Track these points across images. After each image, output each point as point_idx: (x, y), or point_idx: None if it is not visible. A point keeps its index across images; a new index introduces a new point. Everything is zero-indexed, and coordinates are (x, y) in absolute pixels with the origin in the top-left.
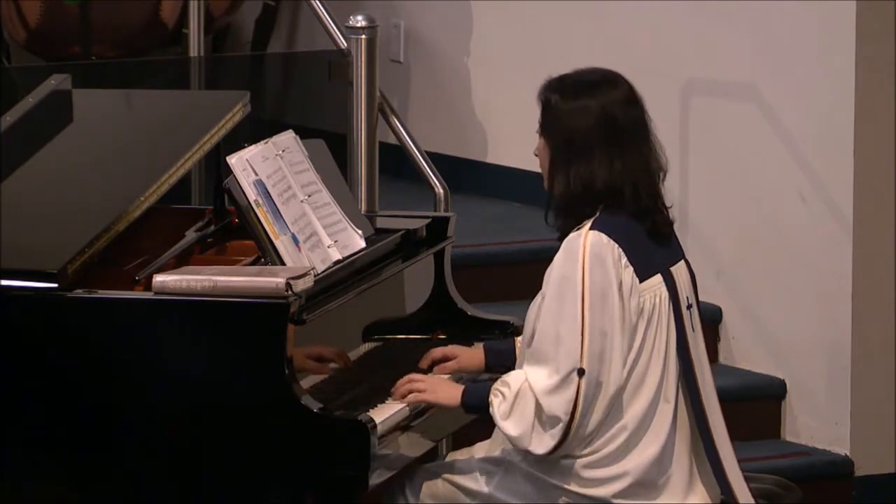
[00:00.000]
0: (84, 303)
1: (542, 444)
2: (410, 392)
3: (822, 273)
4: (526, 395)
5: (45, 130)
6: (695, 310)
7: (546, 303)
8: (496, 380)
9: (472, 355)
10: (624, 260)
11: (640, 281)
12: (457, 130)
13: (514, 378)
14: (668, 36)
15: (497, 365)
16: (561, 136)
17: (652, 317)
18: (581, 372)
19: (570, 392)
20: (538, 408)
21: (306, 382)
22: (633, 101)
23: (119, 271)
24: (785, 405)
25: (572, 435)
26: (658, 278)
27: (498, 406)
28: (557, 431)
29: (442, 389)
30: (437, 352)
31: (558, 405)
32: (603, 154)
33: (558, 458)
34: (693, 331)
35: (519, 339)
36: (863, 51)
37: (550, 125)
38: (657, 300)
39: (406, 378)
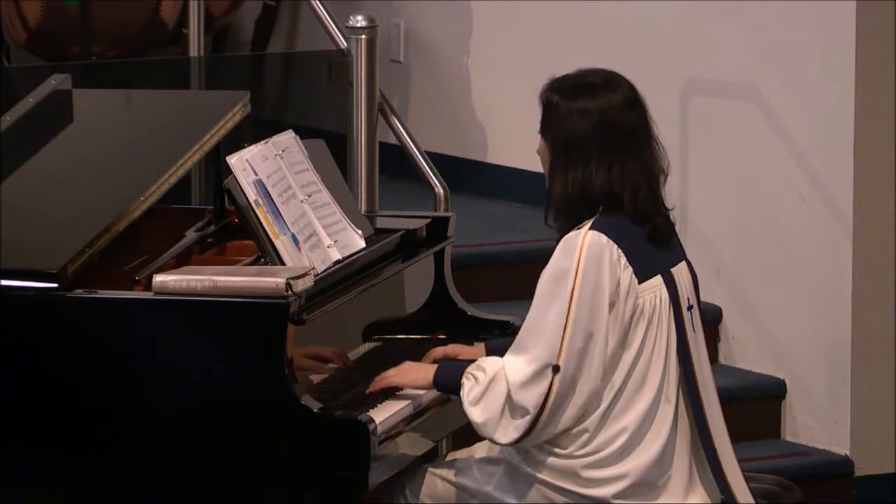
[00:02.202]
0: (84, 303)
1: (506, 434)
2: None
3: (821, 273)
4: (499, 383)
5: (45, 130)
6: (696, 311)
7: (537, 294)
8: (471, 362)
9: (473, 353)
10: (623, 261)
11: (640, 282)
12: (457, 130)
13: (490, 364)
14: (668, 36)
15: None
16: (559, 138)
17: (652, 318)
18: (556, 369)
19: (542, 386)
20: (509, 397)
21: (306, 382)
22: (634, 104)
23: (119, 271)
24: (785, 405)
25: (538, 429)
26: (658, 279)
27: (469, 390)
28: (524, 423)
29: (413, 372)
30: (438, 351)
31: (529, 398)
32: (601, 158)
33: (558, 458)
34: (694, 332)
35: None
36: (863, 51)
37: (550, 126)
38: (657, 301)
39: (381, 376)
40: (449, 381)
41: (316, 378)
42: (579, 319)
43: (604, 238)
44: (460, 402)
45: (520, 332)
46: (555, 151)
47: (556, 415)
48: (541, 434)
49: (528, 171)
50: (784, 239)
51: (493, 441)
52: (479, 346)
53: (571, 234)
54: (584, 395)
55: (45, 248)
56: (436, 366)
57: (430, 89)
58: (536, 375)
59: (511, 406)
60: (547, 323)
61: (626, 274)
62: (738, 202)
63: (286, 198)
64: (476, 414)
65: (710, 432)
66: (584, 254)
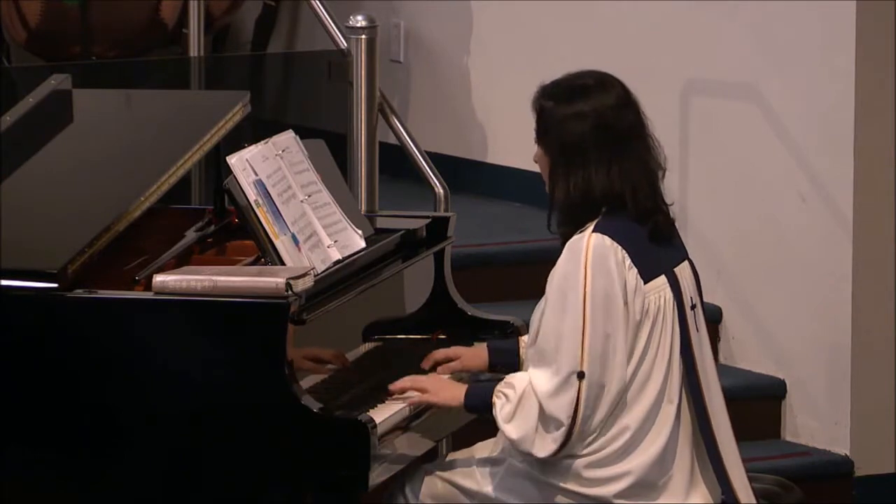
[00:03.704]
0: (84, 303)
1: (544, 447)
2: (413, 392)
3: (821, 273)
4: (530, 398)
5: (45, 130)
6: (699, 310)
7: (549, 304)
8: (499, 381)
9: (475, 354)
10: (628, 262)
11: (645, 282)
12: (457, 130)
13: (518, 380)
14: (668, 36)
15: (500, 363)
16: (557, 144)
17: (657, 317)
18: (581, 375)
19: (570, 395)
20: (541, 411)
21: (306, 382)
22: (627, 103)
23: (119, 271)
24: (785, 405)
25: (574, 437)
26: (662, 279)
27: (501, 408)
28: (560, 434)
29: (444, 390)
30: (440, 353)
31: (559, 408)
32: (600, 160)
33: (559, 458)
34: (697, 331)
35: (523, 338)
36: (863, 51)
37: (546, 133)
38: (662, 301)
39: (408, 378)
40: (480, 402)
41: (316, 378)
42: (595, 323)
43: (607, 240)
44: (494, 421)
45: (538, 344)
46: (553, 157)
47: (588, 420)
48: (576, 443)
49: (528, 171)
50: (784, 239)
51: (532, 456)
52: (481, 346)
53: (575, 237)
54: (612, 395)
55: (45, 248)
56: (465, 386)
57: (430, 89)
58: (563, 385)
59: (544, 419)
60: (564, 331)
61: (632, 275)
62: (738, 202)
63: (286, 198)
64: (511, 431)
65: (713, 432)
66: (591, 256)
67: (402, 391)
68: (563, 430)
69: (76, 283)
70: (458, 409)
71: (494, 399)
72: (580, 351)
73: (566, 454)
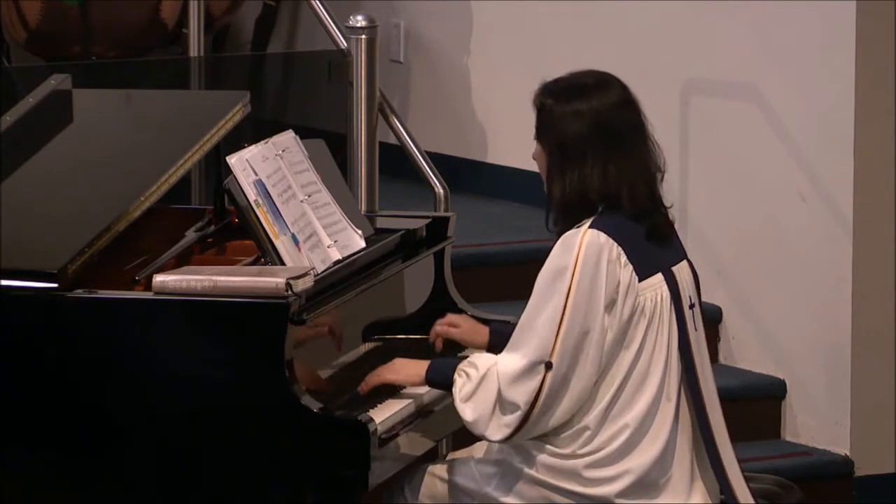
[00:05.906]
0: (84, 303)
1: (498, 430)
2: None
3: (821, 273)
4: (490, 380)
5: (45, 130)
6: (697, 309)
7: (534, 291)
8: (464, 359)
9: (475, 330)
10: (623, 259)
11: (640, 279)
12: (457, 130)
13: (482, 361)
14: (668, 36)
15: (499, 347)
16: (555, 142)
17: (653, 315)
18: (549, 365)
19: (534, 382)
20: (499, 394)
21: (306, 382)
22: (627, 103)
23: (119, 271)
24: (785, 405)
25: (528, 425)
26: (659, 277)
27: (461, 387)
28: (514, 419)
29: (406, 368)
30: (445, 319)
31: (520, 393)
32: (597, 160)
33: (559, 459)
34: (696, 330)
35: None
36: (863, 51)
37: (545, 130)
38: (658, 299)
39: (371, 374)
40: (441, 378)
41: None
42: (574, 317)
43: (602, 236)
44: (452, 399)
45: (516, 329)
46: (551, 155)
47: (546, 412)
48: (531, 430)
49: (528, 171)
50: (784, 239)
51: (484, 438)
52: (483, 326)
53: (570, 232)
54: (575, 392)
55: (45, 248)
56: (428, 362)
57: (430, 89)
58: (528, 371)
59: (501, 402)
60: (541, 320)
61: (626, 272)
62: (738, 202)
63: (286, 198)
64: (467, 411)
65: (712, 431)
66: (583, 252)
67: (370, 385)
68: (518, 414)
69: (76, 283)
70: (422, 385)
71: (455, 376)
72: (553, 342)
73: (518, 441)
